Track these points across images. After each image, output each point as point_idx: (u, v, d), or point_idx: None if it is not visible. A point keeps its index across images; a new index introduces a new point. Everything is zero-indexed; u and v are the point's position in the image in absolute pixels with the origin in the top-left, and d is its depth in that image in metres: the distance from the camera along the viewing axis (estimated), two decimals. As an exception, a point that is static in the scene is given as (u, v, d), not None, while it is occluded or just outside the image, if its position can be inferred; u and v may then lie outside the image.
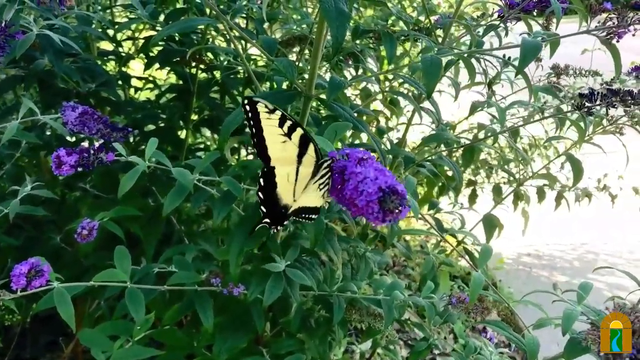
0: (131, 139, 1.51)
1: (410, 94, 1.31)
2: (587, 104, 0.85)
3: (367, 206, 0.58)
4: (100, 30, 1.49)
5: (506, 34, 1.10)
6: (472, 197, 1.89)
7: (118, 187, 0.85)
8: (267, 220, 0.70)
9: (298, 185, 0.69)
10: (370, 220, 0.60)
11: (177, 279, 0.94)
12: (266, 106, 0.67)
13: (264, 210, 0.70)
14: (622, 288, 2.37)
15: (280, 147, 0.68)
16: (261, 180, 0.69)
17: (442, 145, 1.43)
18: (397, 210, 0.58)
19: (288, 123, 0.67)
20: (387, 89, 2.06)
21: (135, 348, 0.95)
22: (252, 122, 0.67)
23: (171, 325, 1.10)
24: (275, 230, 0.72)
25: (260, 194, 0.70)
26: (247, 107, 0.67)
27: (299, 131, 0.67)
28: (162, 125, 1.56)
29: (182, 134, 1.63)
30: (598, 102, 0.86)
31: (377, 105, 1.75)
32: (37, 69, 1.21)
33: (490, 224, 1.35)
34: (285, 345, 1.08)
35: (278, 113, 0.67)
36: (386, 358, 1.66)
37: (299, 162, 0.68)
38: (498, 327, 0.86)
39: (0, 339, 1.20)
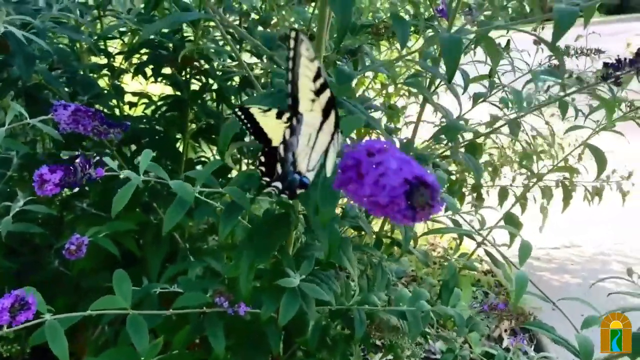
0: (128, 153, 1.45)
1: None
2: (614, 73, 0.77)
3: (392, 203, 0.47)
4: (91, 40, 1.43)
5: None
6: (478, 200, 1.81)
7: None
8: (276, 184, 0.63)
9: (314, 154, 0.62)
10: (396, 220, 0.49)
11: (183, 301, 0.87)
12: (260, 109, 0.65)
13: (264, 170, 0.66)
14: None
15: (282, 127, 0.64)
16: (262, 157, 0.66)
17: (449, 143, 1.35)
18: (428, 206, 0.47)
19: (286, 115, 0.63)
20: (384, 94, 2.00)
21: (143, 378, 0.88)
22: (248, 123, 0.66)
23: (181, 349, 1.03)
24: (285, 197, 0.64)
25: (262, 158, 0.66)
26: (242, 115, 0.66)
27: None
28: (159, 137, 1.49)
29: (181, 147, 1.57)
30: (627, 69, 0.78)
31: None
32: (12, 78, 1.11)
33: (512, 222, 1.27)
34: (304, 365, 1.01)
35: (274, 110, 0.64)
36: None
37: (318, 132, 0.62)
38: (542, 329, 0.78)
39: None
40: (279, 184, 0.62)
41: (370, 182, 0.49)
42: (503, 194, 1.62)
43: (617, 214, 1.63)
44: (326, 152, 0.61)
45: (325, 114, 0.59)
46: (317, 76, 0.57)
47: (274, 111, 0.66)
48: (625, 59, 0.75)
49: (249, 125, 0.67)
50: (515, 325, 0.83)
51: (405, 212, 0.48)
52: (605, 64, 0.74)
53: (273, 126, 0.66)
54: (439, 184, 0.48)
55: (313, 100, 0.58)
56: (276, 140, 0.65)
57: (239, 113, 0.67)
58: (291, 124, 0.59)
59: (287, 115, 0.64)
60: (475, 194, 1.76)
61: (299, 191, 0.63)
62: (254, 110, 0.66)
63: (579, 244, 2.85)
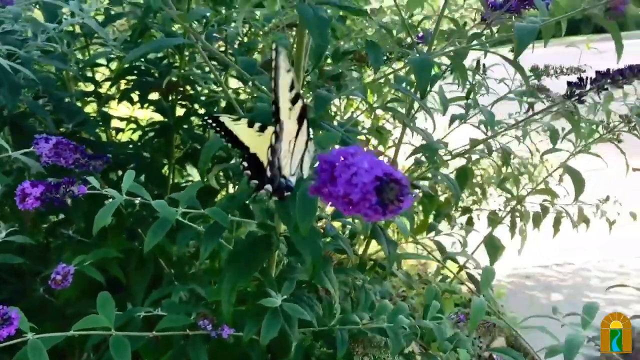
0: (114, 178, 1.46)
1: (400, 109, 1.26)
2: (577, 91, 0.80)
3: (364, 200, 0.49)
4: (77, 69, 1.45)
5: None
6: (469, 224, 1.83)
7: (103, 232, 0.79)
8: (267, 187, 0.64)
9: (293, 158, 0.65)
10: (368, 216, 0.50)
11: (166, 323, 0.87)
12: (230, 118, 0.70)
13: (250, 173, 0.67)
14: (621, 303, 2.33)
15: (256, 136, 0.69)
16: (244, 163, 0.69)
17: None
18: (398, 201, 0.49)
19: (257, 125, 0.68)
20: (372, 117, 2.05)
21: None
22: (223, 133, 0.70)
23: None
24: (276, 198, 0.66)
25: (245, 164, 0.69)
26: (213, 124, 0.70)
27: (269, 129, 0.67)
28: (145, 162, 1.50)
29: (167, 172, 1.58)
30: (589, 87, 0.82)
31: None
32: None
33: (493, 245, 1.29)
34: (288, 387, 1.01)
35: (244, 120, 0.69)
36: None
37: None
38: (506, 355, 0.80)
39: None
40: (269, 187, 0.64)
41: (344, 181, 0.51)
42: (493, 219, 1.63)
43: (605, 242, 1.65)
44: (302, 159, 0.64)
45: (300, 123, 0.62)
46: (292, 87, 0.60)
47: (244, 120, 0.70)
48: (587, 77, 0.78)
49: (224, 134, 0.70)
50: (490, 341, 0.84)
51: (376, 207, 0.49)
52: (569, 83, 0.77)
53: (247, 135, 0.70)
54: (407, 181, 0.50)
55: (290, 109, 0.61)
56: (253, 147, 0.69)
57: (210, 121, 0.70)
58: (275, 130, 0.61)
59: (258, 125, 0.69)
60: (466, 218, 1.78)
61: (286, 193, 0.65)
62: (225, 119, 0.70)
63: (569, 262, 2.91)
